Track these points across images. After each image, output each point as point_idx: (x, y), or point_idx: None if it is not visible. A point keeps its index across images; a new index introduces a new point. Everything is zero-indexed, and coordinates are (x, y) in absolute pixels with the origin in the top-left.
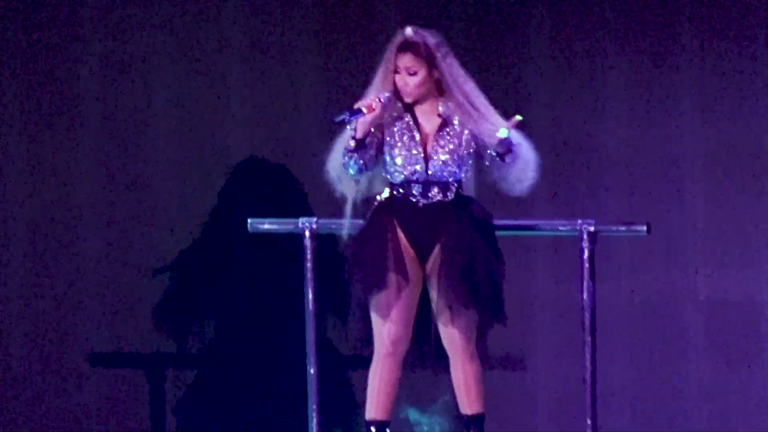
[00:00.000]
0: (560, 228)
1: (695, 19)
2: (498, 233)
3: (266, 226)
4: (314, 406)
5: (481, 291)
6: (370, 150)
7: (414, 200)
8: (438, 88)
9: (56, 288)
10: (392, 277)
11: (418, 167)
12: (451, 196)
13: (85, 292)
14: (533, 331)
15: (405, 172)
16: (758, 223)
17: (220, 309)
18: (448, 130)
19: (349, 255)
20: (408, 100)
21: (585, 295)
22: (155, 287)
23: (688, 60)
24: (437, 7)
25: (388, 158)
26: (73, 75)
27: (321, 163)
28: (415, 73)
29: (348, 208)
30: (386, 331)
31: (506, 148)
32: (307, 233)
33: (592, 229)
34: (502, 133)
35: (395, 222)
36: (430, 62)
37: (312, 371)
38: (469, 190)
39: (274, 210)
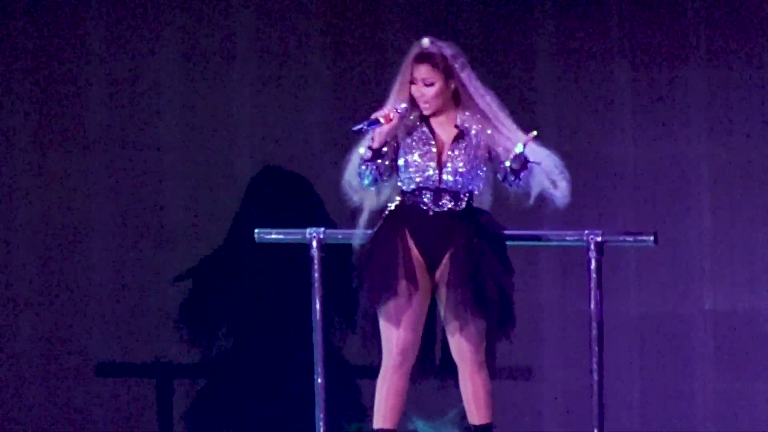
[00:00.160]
0: (567, 238)
1: (704, 34)
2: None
3: (273, 236)
4: (321, 415)
5: (490, 300)
6: (386, 160)
7: (425, 208)
8: (455, 99)
9: (64, 297)
10: (402, 285)
11: (431, 174)
12: (462, 205)
13: (93, 301)
14: (541, 341)
15: (417, 179)
16: (765, 234)
17: (230, 317)
18: (464, 140)
19: (359, 263)
20: (426, 112)
21: (592, 305)
22: (164, 296)
23: (697, 72)
24: (445, 17)
25: (402, 166)
26: (81, 86)
27: (329, 173)
28: (431, 84)
29: (364, 218)
30: (395, 339)
31: (521, 163)
32: (314, 243)
33: (599, 239)
34: (518, 148)
35: (405, 230)
36: (447, 73)
37: (320, 381)
38: (486, 202)
39: (283, 219)
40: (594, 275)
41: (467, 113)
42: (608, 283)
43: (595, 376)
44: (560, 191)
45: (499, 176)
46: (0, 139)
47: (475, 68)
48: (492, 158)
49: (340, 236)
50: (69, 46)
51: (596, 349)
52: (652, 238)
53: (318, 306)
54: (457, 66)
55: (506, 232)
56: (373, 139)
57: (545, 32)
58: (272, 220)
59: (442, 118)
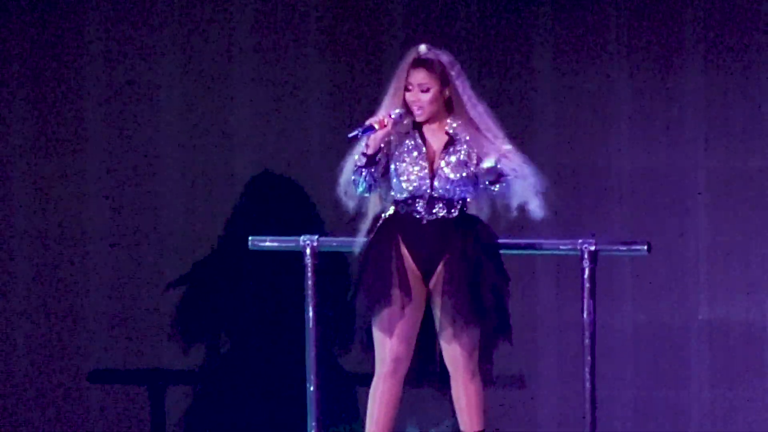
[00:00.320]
0: (561, 247)
1: (701, 44)
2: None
3: (267, 244)
4: (314, 423)
5: (485, 308)
6: (380, 166)
7: (418, 216)
8: (447, 106)
9: (61, 303)
10: (396, 294)
11: (423, 183)
12: (455, 213)
13: (90, 307)
14: (534, 350)
15: (410, 188)
16: (760, 244)
17: (225, 323)
18: (454, 148)
19: (354, 271)
20: (420, 118)
21: (585, 315)
22: (160, 302)
23: (693, 80)
24: (444, 23)
25: (394, 174)
26: (79, 90)
27: (325, 181)
28: (427, 90)
29: (366, 225)
30: (388, 347)
31: (494, 177)
32: (308, 251)
33: (592, 248)
34: (488, 162)
35: (399, 239)
36: (443, 80)
37: (312, 388)
38: (480, 210)
39: (280, 223)
40: (587, 284)
41: (459, 121)
42: (603, 292)
43: (588, 385)
44: (533, 204)
45: (480, 185)
46: None
47: (472, 77)
48: (476, 167)
49: (335, 244)
50: (67, 47)
51: (588, 358)
52: (645, 247)
53: (311, 314)
54: (453, 73)
55: (501, 240)
56: (367, 145)
57: (542, 42)
58: (269, 224)
59: (434, 126)
